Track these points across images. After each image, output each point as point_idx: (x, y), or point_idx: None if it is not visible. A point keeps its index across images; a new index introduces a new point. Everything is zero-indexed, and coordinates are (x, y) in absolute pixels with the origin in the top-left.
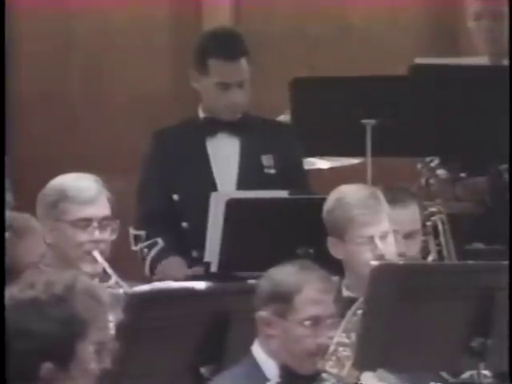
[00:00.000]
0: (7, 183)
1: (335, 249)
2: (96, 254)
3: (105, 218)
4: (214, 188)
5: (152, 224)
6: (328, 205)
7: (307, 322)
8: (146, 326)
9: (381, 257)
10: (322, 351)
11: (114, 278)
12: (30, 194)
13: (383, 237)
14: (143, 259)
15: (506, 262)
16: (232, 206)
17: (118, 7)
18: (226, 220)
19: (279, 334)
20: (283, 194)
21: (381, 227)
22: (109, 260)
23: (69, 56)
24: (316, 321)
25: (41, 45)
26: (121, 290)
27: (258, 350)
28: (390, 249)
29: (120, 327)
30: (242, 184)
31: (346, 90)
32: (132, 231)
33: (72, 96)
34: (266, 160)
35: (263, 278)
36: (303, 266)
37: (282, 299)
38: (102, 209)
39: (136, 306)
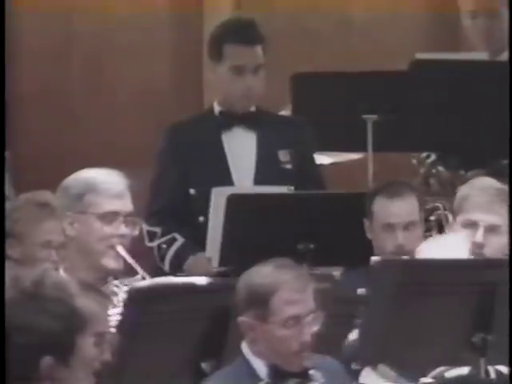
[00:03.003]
0: (7, 178)
1: None
2: (120, 248)
3: (129, 214)
4: (231, 182)
5: (167, 220)
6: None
7: (288, 323)
8: (146, 320)
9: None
10: (306, 348)
11: (141, 273)
12: (30, 188)
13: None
14: (161, 256)
15: (507, 257)
16: (233, 201)
17: (118, 2)
18: (227, 215)
19: (263, 337)
20: (283, 189)
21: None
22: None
23: (69, 51)
24: (296, 320)
25: (41, 40)
26: None
27: (246, 350)
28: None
29: (121, 322)
30: (259, 179)
31: (346, 85)
32: (145, 227)
33: (72, 91)
34: (283, 155)
35: (239, 283)
36: (278, 265)
37: (260, 303)
38: (128, 204)
39: (137, 300)
